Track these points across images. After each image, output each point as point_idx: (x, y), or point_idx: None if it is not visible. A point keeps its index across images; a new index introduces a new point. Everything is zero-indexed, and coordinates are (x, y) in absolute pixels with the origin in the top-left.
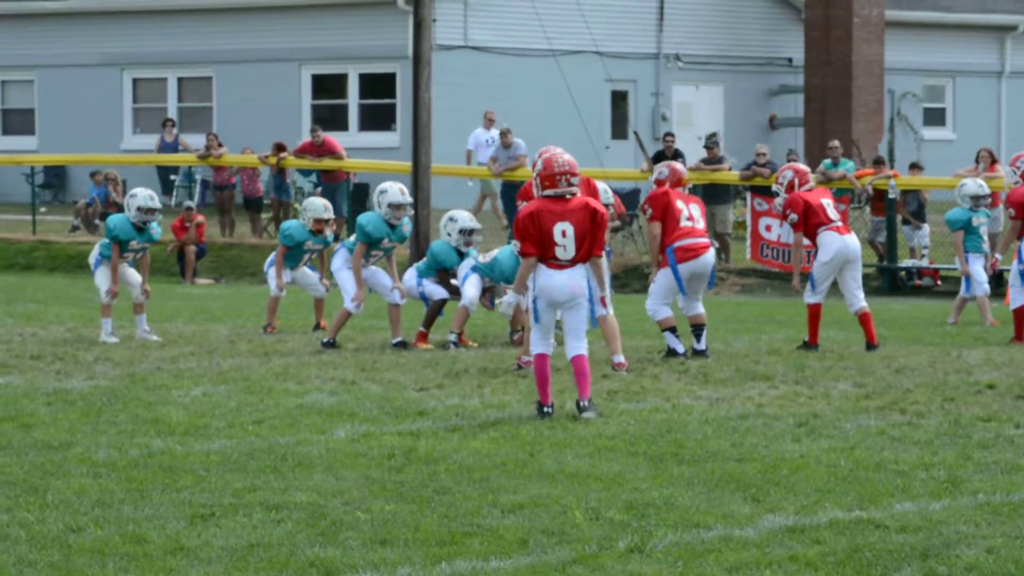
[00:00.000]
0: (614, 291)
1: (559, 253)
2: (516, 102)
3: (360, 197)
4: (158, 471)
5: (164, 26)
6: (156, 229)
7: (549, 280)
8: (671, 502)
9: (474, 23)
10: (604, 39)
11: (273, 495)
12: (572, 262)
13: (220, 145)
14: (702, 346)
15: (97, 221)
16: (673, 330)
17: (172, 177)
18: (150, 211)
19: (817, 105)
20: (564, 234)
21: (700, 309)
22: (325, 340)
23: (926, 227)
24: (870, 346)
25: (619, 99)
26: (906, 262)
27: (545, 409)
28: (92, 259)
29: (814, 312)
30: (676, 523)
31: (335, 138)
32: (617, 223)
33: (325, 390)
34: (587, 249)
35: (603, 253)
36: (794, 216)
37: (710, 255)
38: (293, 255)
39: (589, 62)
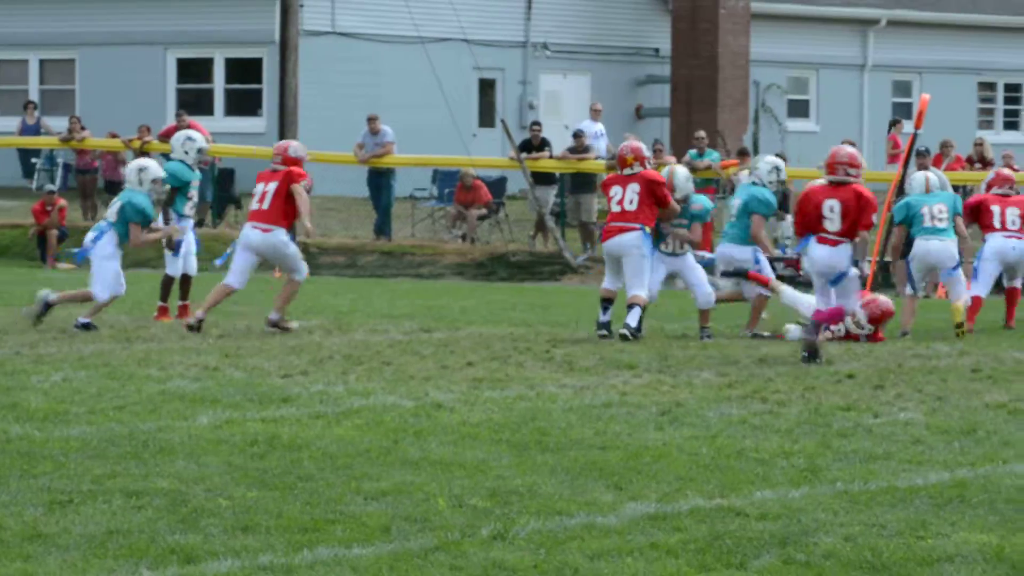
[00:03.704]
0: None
1: (828, 226)
2: (384, 89)
3: (225, 182)
4: (16, 457)
5: (26, 7)
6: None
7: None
8: (534, 490)
9: (342, 9)
10: (472, 27)
11: (133, 481)
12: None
13: (83, 128)
14: (605, 318)
15: None
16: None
17: (34, 160)
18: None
19: (683, 96)
20: (832, 209)
21: (633, 290)
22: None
23: (789, 218)
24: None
25: (487, 87)
26: None
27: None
28: (100, 250)
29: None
30: (539, 510)
31: (200, 123)
32: (484, 211)
33: (188, 376)
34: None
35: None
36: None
37: (624, 237)
38: (179, 201)
39: (457, 50)
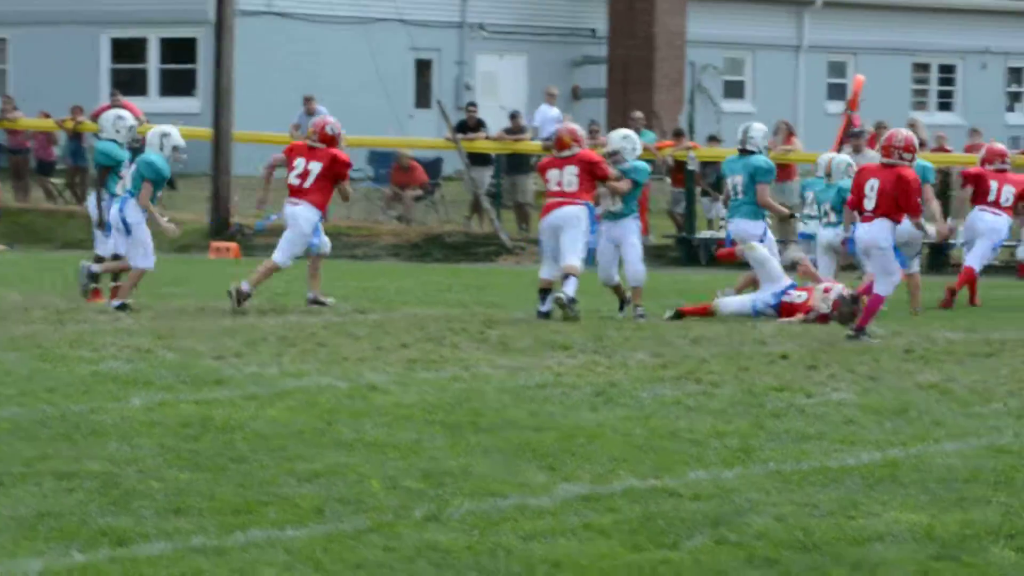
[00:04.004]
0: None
1: (866, 204)
2: (320, 69)
3: None
4: None
5: None
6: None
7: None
8: (468, 471)
9: None
10: (409, 7)
11: (65, 464)
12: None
13: (15, 109)
14: (545, 308)
15: None
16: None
17: None
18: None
19: (619, 76)
20: (872, 188)
21: (568, 259)
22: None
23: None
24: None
25: (423, 68)
26: (704, 233)
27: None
28: (130, 217)
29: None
30: (472, 491)
31: (135, 103)
32: (419, 192)
33: (120, 358)
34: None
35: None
36: None
37: (563, 210)
38: (111, 180)
39: (393, 30)
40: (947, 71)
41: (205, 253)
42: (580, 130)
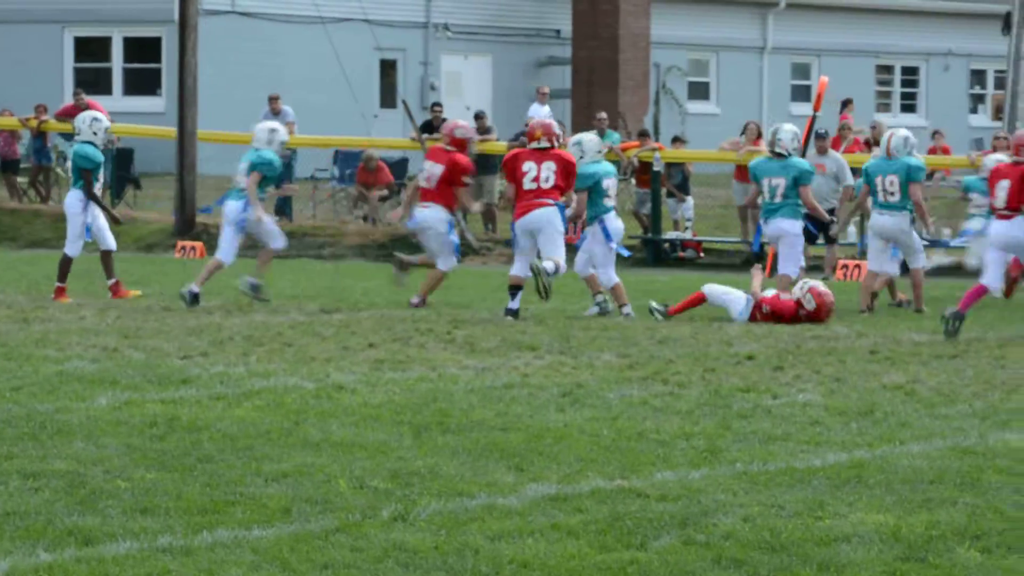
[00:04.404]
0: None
1: (996, 202)
2: (285, 69)
3: (123, 162)
4: None
5: None
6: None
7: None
8: (435, 471)
9: None
10: (373, 7)
11: (31, 463)
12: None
13: None
14: (514, 305)
15: None
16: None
17: None
18: None
19: (584, 77)
20: (1002, 187)
21: (553, 257)
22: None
23: (690, 200)
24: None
25: (388, 68)
26: (670, 234)
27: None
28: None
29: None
30: (440, 492)
31: (99, 102)
32: (385, 192)
33: (86, 357)
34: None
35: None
36: None
37: (540, 212)
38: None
39: (358, 30)
40: (910, 73)
41: (170, 252)
42: (556, 127)
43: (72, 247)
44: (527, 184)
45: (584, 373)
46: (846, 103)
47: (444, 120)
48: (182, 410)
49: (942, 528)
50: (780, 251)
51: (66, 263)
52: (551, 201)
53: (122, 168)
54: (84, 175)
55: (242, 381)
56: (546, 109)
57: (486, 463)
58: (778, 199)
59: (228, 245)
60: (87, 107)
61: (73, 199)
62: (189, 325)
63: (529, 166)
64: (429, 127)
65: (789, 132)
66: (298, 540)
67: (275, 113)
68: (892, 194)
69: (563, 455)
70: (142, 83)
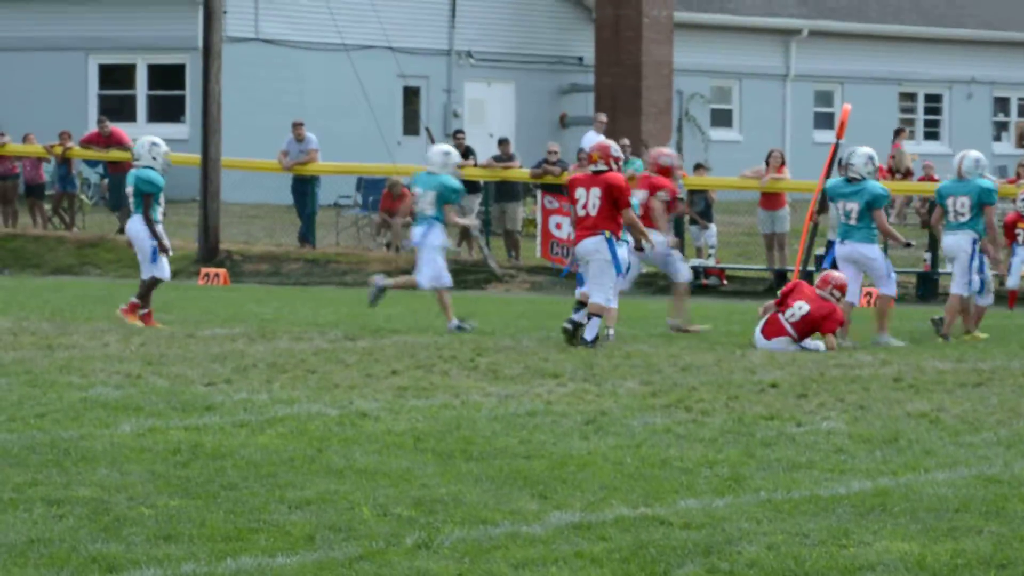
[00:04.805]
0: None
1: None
2: (308, 96)
3: None
4: None
5: None
6: None
7: None
8: (459, 499)
9: (265, 15)
10: (396, 34)
11: (55, 490)
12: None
13: (3, 134)
14: (577, 316)
15: None
16: (579, 308)
17: None
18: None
19: (607, 104)
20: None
21: (592, 296)
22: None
23: (713, 227)
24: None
25: (411, 95)
26: (693, 262)
27: None
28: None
29: None
30: (463, 519)
31: (123, 129)
32: (409, 219)
33: (110, 384)
34: None
35: None
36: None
37: (587, 242)
38: (153, 208)
39: (381, 57)
40: (934, 100)
41: (194, 279)
42: (615, 149)
43: (149, 270)
44: (579, 211)
45: (607, 401)
46: (898, 132)
47: (467, 147)
48: (206, 437)
49: (967, 557)
50: (872, 276)
51: (151, 286)
52: (599, 230)
53: None
54: (146, 199)
55: (265, 408)
56: (601, 138)
57: (510, 491)
58: (853, 222)
59: (427, 267)
60: (111, 134)
61: (136, 224)
62: (212, 352)
63: (580, 192)
64: None
65: (863, 156)
66: (322, 568)
67: (298, 140)
68: (962, 215)
69: (587, 483)
70: (166, 110)
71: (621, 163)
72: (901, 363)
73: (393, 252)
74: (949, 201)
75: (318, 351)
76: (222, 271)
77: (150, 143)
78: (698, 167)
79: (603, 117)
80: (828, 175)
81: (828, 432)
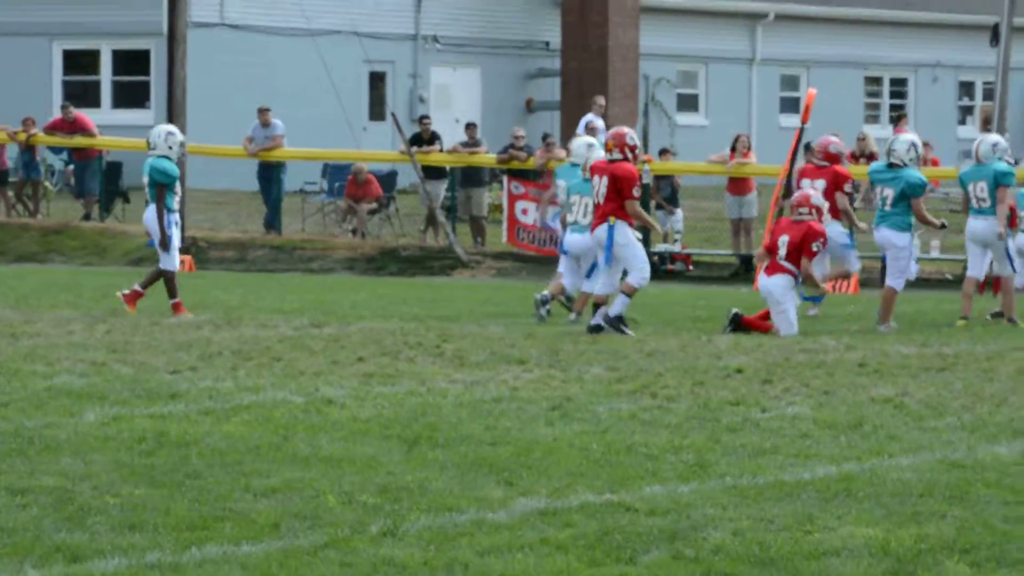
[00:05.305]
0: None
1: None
2: (274, 81)
3: (112, 175)
4: None
5: None
6: None
7: None
8: (424, 486)
9: (231, 0)
10: (362, 19)
11: (19, 479)
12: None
13: None
14: (596, 321)
15: None
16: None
17: None
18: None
19: (574, 89)
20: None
21: (628, 278)
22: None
23: (679, 212)
24: None
25: (377, 80)
26: (659, 247)
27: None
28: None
29: None
30: (429, 507)
31: (87, 115)
32: (374, 205)
33: (75, 372)
34: None
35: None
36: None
37: (597, 231)
38: (169, 197)
39: (347, 42)
40: (899, 84)
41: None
42: (631, 136)
43: (166, 261)
44: (595, 198)
45: (573, 387)
46: (899, 118)
47: (433, 133)
48: (171, 425)
49: (931, 541)
50: (888, 263)
51: (158, 277)
52: (609, 218)
53: (111, 181)
54: (159, 189)
55: (231, 396)
56: (599, 121)
57: (475, 477)
58: (888, 208)
59: (566, 271)
60: (75, 120)
61: (152, 214)
62: (178, 340)
63: (596, 180)
64: (418, 140)
65: (905, 142)
66: (287, 556)
67: (264, 126)
68: (983, 200)
69: (552, 469)
70: (131, 96)
71: (638, 151)
72: (866, 348)
73: (359, 238)
74: (970, 187)
75: (284, 338)
76: (187, 258)
77: (166, 132)
78: (664, 152)
79: (601, 100)
80: (794, 160)
81: (793, 417)
